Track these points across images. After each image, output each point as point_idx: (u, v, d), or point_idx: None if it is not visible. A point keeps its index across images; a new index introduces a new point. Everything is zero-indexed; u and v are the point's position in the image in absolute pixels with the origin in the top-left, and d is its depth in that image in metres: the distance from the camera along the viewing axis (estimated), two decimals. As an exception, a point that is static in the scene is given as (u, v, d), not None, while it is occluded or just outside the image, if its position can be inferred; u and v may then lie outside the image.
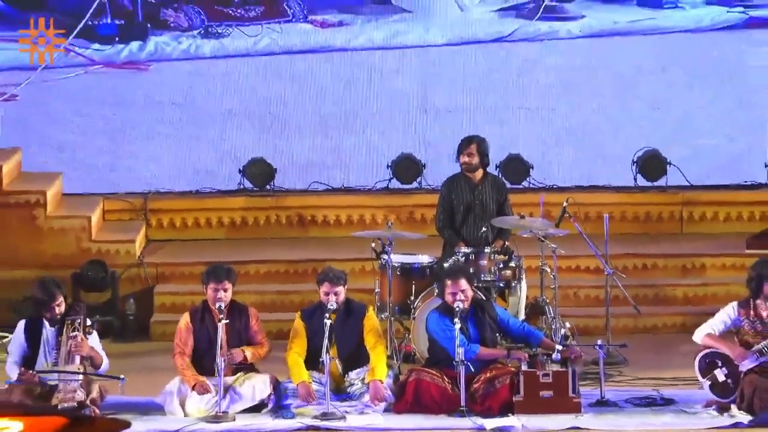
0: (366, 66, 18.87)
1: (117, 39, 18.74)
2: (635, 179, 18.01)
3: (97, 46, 18.73)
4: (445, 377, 13.98)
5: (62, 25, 18.57)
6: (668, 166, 17.98)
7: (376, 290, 15.23)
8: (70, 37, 18.54)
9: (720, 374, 14.02)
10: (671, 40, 19.19)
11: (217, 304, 14.08)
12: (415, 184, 17.94)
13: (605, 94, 18.79)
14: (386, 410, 14.01)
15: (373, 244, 15.29)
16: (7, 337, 14.75)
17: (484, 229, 15.32)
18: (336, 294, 14.25)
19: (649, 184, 18.04)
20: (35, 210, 17.12)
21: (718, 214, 17.91)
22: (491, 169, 16.17)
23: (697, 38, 19.18)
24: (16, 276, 16.07)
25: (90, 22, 18.59)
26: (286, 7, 19.04)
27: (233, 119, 18.63)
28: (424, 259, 15.31)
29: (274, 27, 19.04)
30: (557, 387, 13.95)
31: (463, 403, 13.81)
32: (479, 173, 15.67)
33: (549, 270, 15.37)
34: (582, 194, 17.14)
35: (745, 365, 13.93)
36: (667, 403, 14.21)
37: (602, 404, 14.11)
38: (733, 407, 13.90)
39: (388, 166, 18.04)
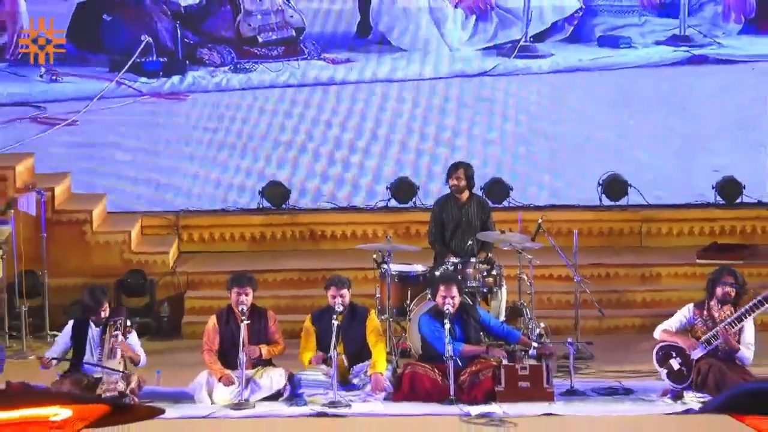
0: (369, 97, 18.89)
1: (161, 74, 18.76)
2: (600, 199, 18.03)
3: (144, 79, 18.73)
4: (436, 370, 14.00)
5: (115, 63, 18.72)
6: (629, 187, 18.00)
7: (377, 295, 15.24)
8: (122, 72, 18.58)
9: (675, 363, 14.04)
10: (627, 74, 19.16)
11: (240, 307, 14.11)
12: (410, 204, 17.94)
13: (573, 124, 18.78)
14: (386, 399, 14.02)
15: (374, 256, 15.29)
16: (58, 336, 14.72)
17: (470, 242, 15.34)
18: (341, 296, 14.27)
19: (612, 203, 18.05)
20: (83, 226, 17.12)
21: (672, 230, 17.92)
22: (476, 190, 16.15)
23: (648, 73, 19.15)
24: (68, 283, 16.07)
25: (138, 60, 18.60)
26: (302, 47, 19.07)
27: (256, 145, 18.62)
28: (418, 268, 15.31)
29: (293, 63, 19.03)
30: (533, 379, 13.97)
31: (451, 392, 13.83)
32: (466, 194, 15.67)
33: (526, 278, 15.38)
34: (554, 212, 17.20)
35: (696, 353, 13.96)
36: (627, 392, 14.21)
37: (572, 393, 14.12)
38: (686, 395, 13.91)
39: (387, 188, 18.08)
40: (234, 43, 19.07)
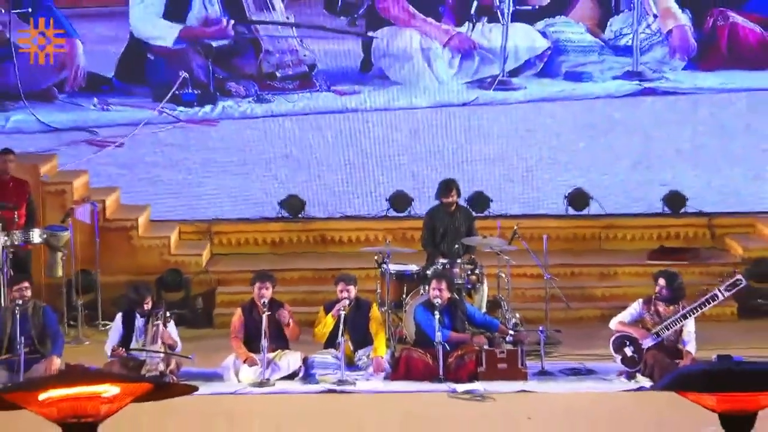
0: (371, 123, 18.89)
1: (195, 104, 18.77)
2: (566, 209, 18.01)
3: (181, 108, 18.73)
4: (428, 354, 14.01)
5: (157, 95, 18.76)
6: (590, 199, 18.00)
7: (378, 290, 15.24)
8: (163, 102, 18.59)
9: (628, 350, 14.07)
10: (588, 104, 19.13)
11: (262, 301, 14.13)
12: (406, 213, 17.91)
13: (542, 146, 18.78)
14: (385, 378, 14.03)
15: (376, 257, 15.29)
16: (109, 325, 14.76)
17: (456, 246, 15.33)
18: (348, 291, 14.31)
19: (576, 213, 18.03)
20: (130, 232, 17.15)
21: (627, 235, 17.90)
22: (462, 201, 16.17)
23: (606, 103, 19.12)
24: (116, 280, 16.06)
25: (177, 92, 18.62)
26: (314, 81, 19.07)
27: (275, 163, 18.63)
28: (413, 267, 15.30)
29: (306, 95, 19.03)
30: (510, 361, 13.99)
31: (441, 372, 13.85)
32: (454, 205, 15.70)
33: (504, 276, 15.39)
34: (527, 220, 17.17)
35: (646, 343, 13.99)
36: (589, 372, 14.24)
37: (543, 374, 14.14)
38: (639, 375, 13.94)
39: (386, 200, 18.07)
40: (256, 78, 19.08)
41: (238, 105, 18.98)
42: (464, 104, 19.05)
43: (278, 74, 19.09)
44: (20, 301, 13.95)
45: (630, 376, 13.99)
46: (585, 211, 18.02)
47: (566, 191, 18.02)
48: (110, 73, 19.00)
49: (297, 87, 19.11)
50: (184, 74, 18.72)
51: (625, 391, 13.78)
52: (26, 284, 14.15)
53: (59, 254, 15.74)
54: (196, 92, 18.83)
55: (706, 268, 16.83)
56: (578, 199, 17.98)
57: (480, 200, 17.68)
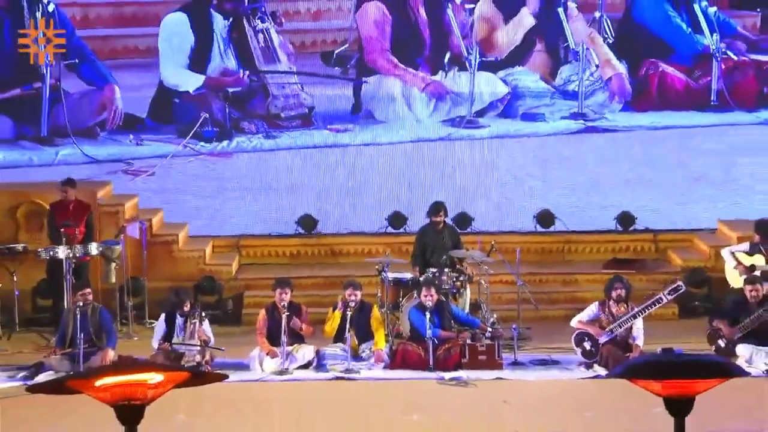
0: (362, 156, 18.93)
1: (214, 139, 18.79)
2: (535, 227, 17.95)
3: (202, 143, 18.73)
4: (420, 347, 13.98)
5: (182, 132, 18.75)
6: (555, 219, 17.98)
7: (378, 294, 15.20)
8: (187, 138, 18.58)
9: (587, 345, 14.06)
10: (542, 140, 19.12)
11: (282, 303, 14.11)
12: (402, 230, 17.84)
13: (505, 175, 18.73)
14: (385, 368, 14.00)
15: (377, 266, 15.25)
16: (154, 323, 14.73)
17: (444, 257, 15.32)
18: (355, 295, 14.30)
19: (543, 230, 17.98)
20: (172, 246, 17.12)
21: (585, 249, 17.86)
22: (448, 220, 16.13)
23: (557, 139, 19.14)
24: (162, 286, 16.01)
25: (198, 130, 18.65)
26: (313, 120, 19.11)
27: (288, 188, 18.63)
28: (407, 275, 15.25)
29: (307, 132, 19.07)
30: (489, 353, 13.98)
31: (431, 363, 13.82)
32: (441, 223, 15.68)
33: (483, 282, 15.35)
34: (503, 236, 17.11)
35: (602, 339, 13.98)
36: (554, 363, 14.21)
37: (516, 364, 14.12)
38: (596, 366, 13.92)
39: (385, 219, 18.03)
40: (265, 117, 19.09)
41: (249, 140, 18.96)
42: (439, 139, 19.04)
43: (283, 115, 19.10)
44: (81, 303, 13.97)
45: (588, 366, 13.98)
46: (551, 229, 17.95)
47: (535, 212, 17.94)
48: (143, 113, 18.99)
49: (299, 125, 19.11)
50: (204, 115, 18.73)
51: (584, 378, 13.77)
52: (88, 290, 14.20)
53: (113, 264, 15.73)
54: (215, 130, 18.82)
55: (651, 276, 16.81)
56: (545, 218, 17.94)
57: (464, 219, 17.63)
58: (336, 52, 19.45)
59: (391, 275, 15.00)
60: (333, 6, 19.70)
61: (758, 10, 19.84)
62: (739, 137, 19.06)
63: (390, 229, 17.91)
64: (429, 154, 18.86)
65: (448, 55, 19.18)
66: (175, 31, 18.90)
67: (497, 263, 15.53)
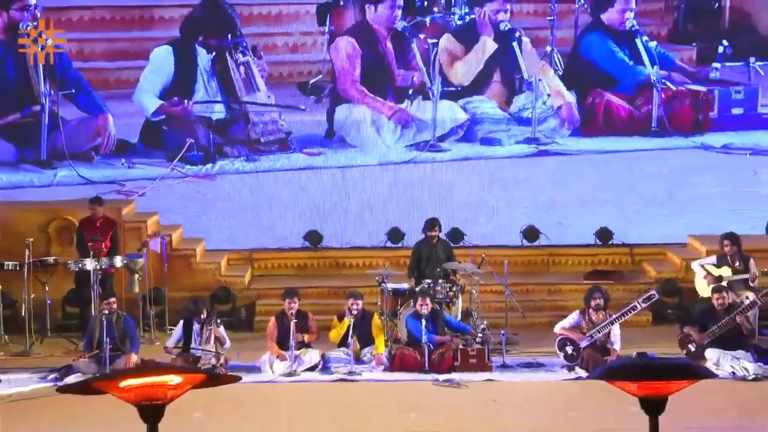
0: (335, 178, 18.82)
1: (199, 163, 18.77)
2: (522, 241, 17.94)
3: (189, 166, 18.68)
4: (416, 352, 13.98)
5: (170, 156, 18.68)
6: (540, 234, 17.96)
7: (378, 303, 15.18)
8: (174, 161, 18.54)
9: (569, 349, 14.05)
10: (498, 162, 19.01)
11: (290, 311, 14.10)
12: (400, 244, 17.82)
13: (466, 194, 18.60)
14: (384, 370, 13.99)
15: (377, 278, 15.22)
16: (174, 329, 14.70)
17: (438, 269, 15.31)
18: (357, 304, 14.29)
19: (529, 244, 17.96)
20: (190, 259, 17.10)
21: (568, 261, 17.83)
22: (442, 235, 16.11)
23: (512, 162, 19.06)
24: (181, 295, 15.96)
25: (185, 154, 18.61)
26: (290, 144, 19.02)
27: (282, 207, 18.62)
28: (405, 286, 15.24)
29: (284, 156, 18.99)
30: (479, 357, 13.97)
31: (426, 366, 13.83)
32: (435, 238, 15.67)
33: (474, 292, 15.33)
34: (492, 250, 17.06)
35: (583, 343, 13.98)
36: (540, 366, 14.18)
37: (504, 367, 14.10)
38: (577, 368, 13.92)
39: (385, 234, 18.00)
40: (246, 142, 19.03)
41: (232, 163, 18.91)
42: (405, 162, 19.01)
43: (262, 140, 19.03)
44: (106, 311, 13.96)
45: (570, 369, 13.97)
46: (536, 243, 17.93)
47: (521, 227, 17.86)
48: (134, 139, 18.93)
49: (277, 149, 19.05)
50: (190, 140, 18.68)
51: (567, 380, 13.76)
52: (113, 300, 14.21)
53: (136, 276, 15.72)
54: (199, 154, 18.76)
55: (627, 286, 16.78)
56: (531, 233, 17.93)
57: (456, 234, 17.61)
58: (311, 82, 19.46)
59: (390, 286, 14.98)
60: (308, 41, 19.70)
61: (694, 44, 19.96)
62: (678, 160, 19.04)
63: (389, 244, 17.86)
64: (395, 176, 18.80)
65: (412, 85, 19.19)
66: (158, 62, 18.92)
67: (487, 274, 15.52)
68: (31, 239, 15.46)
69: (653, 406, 6.25)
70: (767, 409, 12.71)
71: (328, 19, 19.46)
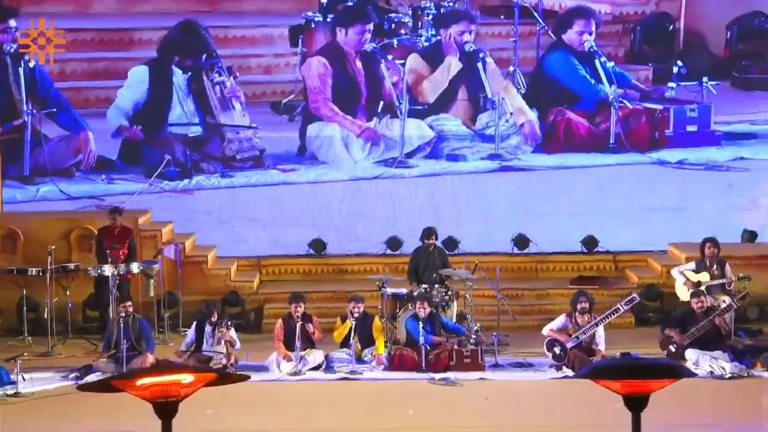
0: (308, 195, 18.53)
1: (176, 178, 18.51)
2: (512, 249, 17.88)
3: (166, 182, 18.44)
4: (414, 352, 13.95)
5: (149, 171, 18.41)
6: (530, 242, 17.92)
7: (379, 306, 15.14)
8: (152, 177, 18.30)
9: (557, 350, 14.03)
10: (464, 178, 18.78)
11: (296, 314, 14.08)
12: (399, 251, 17.74)
13: (438, 206, 18.48)
14: (384, 369, 13.96)
15: (377, 283, 15.18)
16: (187, 331, 14.68)
17: (434, 275, 15.28)
18: (358, 307, 14.27)
19: (519, 251, 17.90)
20: (203, 265, 17.07)
21: (555, 267, 17.80)
22: (438, 243, 16.04)
23: (476, 177, 18.82)
24: (194, 299, 15.95)
25: (163, 170, 18.36)
26: (264, 161, 18.79)
27: (281, 215, 18.44)
28: (403, 290, 15.19)
29: (258, 172, 18.75)
30: (473, 357, 13.94)
31: (423, 366, 13.80)
32: (432, 246, 15.65)
33: (468, 296, 15.29)
34: (485, 257, 17.01)
35: (570, 344, 13.96)
36: (529, 365, 14.15)
37: (496, 366, 14.08)
38: (564, 368, 13.89)
39: (384, 242, 17.93)
40: (222, 159, 18.81)
41: (208, 179, 18.68)
42: (373, 178, 18.79)
43: (237, 157, 18.82)
44: (123, 314, 13.96)
45: (558, 368, 13.95)
46: (526, 251, 17.88)
47: (512, 236, 17.74)
48: (114, 156, 18.71)
49: (251, 166, 18.81)
50: (168, 157, 18.47)
51: (554, 378, 13.73)
52: (129, 303, 14.20)
53: (152, 281, 15.70)
54: (177, 170, 18.52)
55: (611, 291, 16.72)
56: (521, 241, 17.90)
57: (451, 242, 17.53)
58: (284, 101, 19.27)
59: (389, 290, 14.94)
60: (281, 61, 19.55)
61: (650, 64, 19.82)
62: (635, 175, 18.83)
63: (389, 251, 17.81)
64: (363, 191, 18.58)
65: (381, 104, 18.93)
66: (134, 80, 18.73)
67: (480, 280, 15.47)
68: (54, 247, 15.44)
69: (636, 404, 6.23)
70: (743, 406, 12.69)
71: (300, 40, 19.24)
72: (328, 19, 19.16)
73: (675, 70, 19.36)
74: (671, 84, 19.38)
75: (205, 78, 18.80)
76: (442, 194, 18.70)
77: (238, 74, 19.04)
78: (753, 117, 19.55)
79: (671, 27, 19.87)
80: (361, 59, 19.00)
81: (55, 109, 18.54)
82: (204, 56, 18.87)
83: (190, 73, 18.81)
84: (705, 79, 19.23)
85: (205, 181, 18.69)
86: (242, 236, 18.28)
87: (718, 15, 19.85)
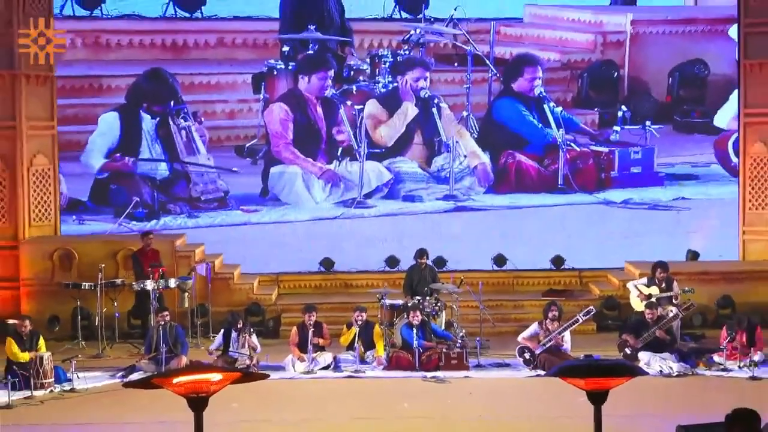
0: (269, 233, 17.79)
1: (144, 219, 17.74)
2: (492, 266, 17.80)
3: (134, 222, 17.68)
4: (409, 354, 13.92)
5: (118, 212, 17.72)
6: (507, 260, 17.86)
7: (379, 315, 15.06)
8: (121, 218, 17.63)
9: (527, 355, 13.98)
10: (421, 217, 18.11)
11: (309, 322, 14.05)
12: (396, 269, 17.58)
13: (395, 242, 17.81)
14: (383, 369, 13.91)
15: (378, 295, 15.12)
16: (215, 336, 14.63)
17: (426, 289, 15.23)
18: (361, 316, 14.24)
19: (498, 268, 17.80)
20: (229, 281, 17.00)
21: (529, 282, 17.73)
22: (429, 262, 15.95)
23: (432, 216, 18.19)
24: (221, 309, 15.87)
25: (131, 211, 17.70)
26: (228, 202, 18.08)
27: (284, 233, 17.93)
28: (400, 302, 15.12)
29: (223, 213, 18.03)
30: (459, 358, 13.89)
31: (417, 366, 13.75)
32: (424, 264, 15.60)
33: (455, 307, 15.25)
34: (469, 273, 16.98)
35: (538, 350, 13.91)
36: (507, 366, 14.08)
37: (479, 366, 14.02)
38: (536, 369, 13.83)
39: (384, 261, 17.85)
40: (187, 200, 18.13)
41: (174, 219, 17.98)
42: (334, 218, 18.13)
43: (203, 198, 18.14)
44: (162, 322, 13.95)
45: (533, 368, 13.87)
46: (504, 268, 17.78)
47: (492, 256, 17.59)
48: (85, 197, 18.00)
49: (216, 207, 18.06)
50: (136, 199, 17.79)
51: (529, 377, 13.68)
52: (167, 313, 14.18)
53: (186, 294, 15.69)
54: (144, 211, 17.85)
55: (577, 302, 16.64)
56: (500, 259, 17.85)
57: (440, 261, 17.44)
58: (247, 145, 18.46)
59: (388, 301, 14.88)
60: (244, 107, 18.76)
61: (596, 109, 19.26)
62: (582, 214, 18.23)
63: (387, 269, 17.74)
64: (324, 230, 17.90)
65: (341, 149, 18.21)
66: (106, 126, 17.94)
67: (465, 293, 15.46)
68: (103, 265, 15.47)
69: (597, 398, 6.25)
70: (688, 400, 12.68)
71: (262, 87, 18.13)
72: (290, 67, 18.31)
73: (620, 114, 18.75)
74: (616, 128, 18.72)
75: (171, 123, 17.92)
76: (400, 233, 17.93)
77: (203, 119, 18.26)
78: (694, 159, 19.00)
79: (616, 74, 19.34)
80: (321, 105, 18.21)
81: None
82: (171, 102, 18.05)
83: (158, 119, 17.95)
84: (648, 123, 18.63)
85: (171, 221, 17.87)
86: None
87: (660, 63, 19.38)
